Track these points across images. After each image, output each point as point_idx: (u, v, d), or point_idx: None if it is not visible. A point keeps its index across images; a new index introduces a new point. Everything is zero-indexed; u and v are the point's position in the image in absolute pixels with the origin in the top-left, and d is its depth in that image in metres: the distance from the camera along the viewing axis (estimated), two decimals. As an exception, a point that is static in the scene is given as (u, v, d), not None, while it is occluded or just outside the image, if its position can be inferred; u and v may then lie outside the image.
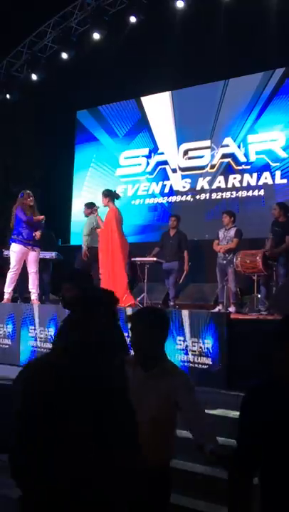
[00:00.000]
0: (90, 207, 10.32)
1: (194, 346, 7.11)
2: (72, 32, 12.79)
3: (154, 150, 13.15)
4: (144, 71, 12.00)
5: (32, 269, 9.44)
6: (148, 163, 13.26)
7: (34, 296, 9.46)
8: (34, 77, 13.48)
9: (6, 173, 14.51)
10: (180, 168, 12.70)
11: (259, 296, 9.18)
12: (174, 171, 12.80)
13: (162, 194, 12.92)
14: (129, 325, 3.16)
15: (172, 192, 12.75)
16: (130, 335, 3.19)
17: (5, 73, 13.87)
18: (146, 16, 11.68)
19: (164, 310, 3.79)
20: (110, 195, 9.42)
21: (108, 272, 9.19)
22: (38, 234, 9.48)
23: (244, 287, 9.94)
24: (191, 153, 12.56)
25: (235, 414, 6.04)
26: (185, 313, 7.35)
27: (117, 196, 9.53)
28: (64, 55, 12.89)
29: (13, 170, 14.50)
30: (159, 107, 13.17)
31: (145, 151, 13.32)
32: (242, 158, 11.82)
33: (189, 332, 7.15)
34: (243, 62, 11.22)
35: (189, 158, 12.58)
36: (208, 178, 12.25)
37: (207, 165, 12.27)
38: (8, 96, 14.03)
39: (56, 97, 13.33)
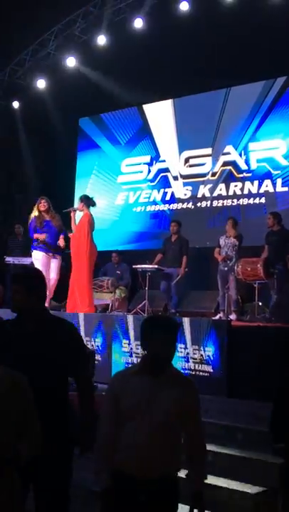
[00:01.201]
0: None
1: (195, 354, 7.13)
2: (76, 40, 12.85)
3: (156, 157, 13.19)
4: (146, 79, 12.03)
5: (52, 277, 9.47)
6: (149, 171, 13.28)
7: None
8: (37, 84, 13.53)
9: (9, 180, 14.55)
10: (181, 176, 12.73)
11: (260, 303, 9.21)
12: (175, 178, 12.83)
13: (164, 201, 12.94)
14: (145, 331, 3.11)
15: (173, 199, 12.77)
16: (145, 341, 3.13)
17: (8, 80, 13.93)
18: (148, 25, 11.74)
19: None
20: (87, 200, 9.59)
21: (74, 276, 9.40)
22: (61, 242, 9.53)
23: (245, 295, 9.96)
24: (192, 161, 12.59)
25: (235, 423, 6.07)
26: (186, 320, 7.38)
27: (93, 204, 9.76)
28: (67, 63, 12.95)
29: (16, 177, 14.54)
30: (160, 115, 13.21)
31: (147, 158, 13.35)
32: (243, 166, 11.85)
33: (190, 339, 7.17)
34: (245, 71, 11.24)
35: (190, 165, 12.61)
36: (209, 186, 12.27)
37: (208, 172, 12.29)
38: (11, 103, 14.09)
39: (59, 104, 13.39)
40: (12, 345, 3.24)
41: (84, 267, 9.44)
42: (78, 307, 9.23)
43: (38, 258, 9.52)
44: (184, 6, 11.11)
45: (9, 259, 11.11)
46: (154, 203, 13.06)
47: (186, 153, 12.67)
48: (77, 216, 9.74)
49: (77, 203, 9.73)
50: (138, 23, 11.73)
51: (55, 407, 3.19)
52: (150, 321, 3.22)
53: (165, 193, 12.94)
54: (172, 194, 12.80)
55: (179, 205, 12.62)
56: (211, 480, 5.03)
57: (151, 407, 2.96)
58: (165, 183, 12.95)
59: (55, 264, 9.60)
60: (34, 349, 3.21)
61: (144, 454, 2.92)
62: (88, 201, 9.67)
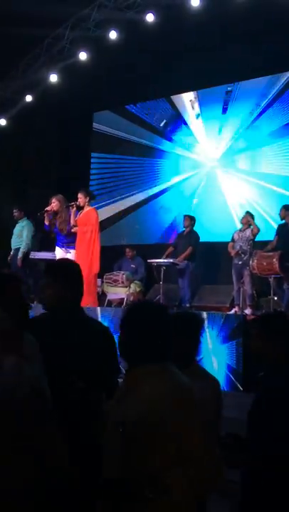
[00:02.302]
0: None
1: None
2: (90, 33, 12.83)
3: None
4: (149, 75, 12.08)
5: None
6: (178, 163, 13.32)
7: None
8: (52, 79, 13.54)
9: (25, 177, 14.60)
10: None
11: (275, 298, 9.19)
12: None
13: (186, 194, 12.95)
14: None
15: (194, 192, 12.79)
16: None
17: (22, 75, 13.95)
18: (160, 19, 11.72)
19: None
20: (91, 195, 9.62)
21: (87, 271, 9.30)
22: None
23: (260, 289, 9.94)
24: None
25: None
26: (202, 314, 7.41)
27: (94, 197, 9.87)
28: (80, 58, 12.94)
29: (31, 173, 14.58)
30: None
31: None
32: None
33: (208, 333, 7.18)
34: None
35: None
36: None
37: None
38: (25, 98, 14.11)
39: (74, 98, 13.40)
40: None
41: (96, 262, 9.45)
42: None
43: (57, 254, 9.68)
44: (196, 2, 11.08)
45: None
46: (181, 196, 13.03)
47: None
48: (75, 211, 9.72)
49: (80, 198, 9.61)
50: (149, 18, 11.72)
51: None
52: (179, 316, 3.17)
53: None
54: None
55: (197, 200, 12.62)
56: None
57: None
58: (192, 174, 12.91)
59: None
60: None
61: None
62: (92, 195, 9.73)
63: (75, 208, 9.58)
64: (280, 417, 2.66)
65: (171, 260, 10.21)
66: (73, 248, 9.57)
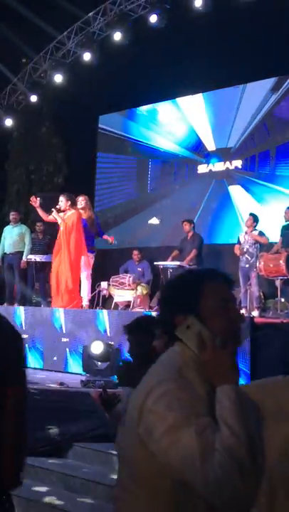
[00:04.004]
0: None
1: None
2: (95, 37, 12.87)
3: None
4: (151, 78, 12.08)
5: (82, 275, 9.54)
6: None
7: (84, 301, 9.57)
8: (57, 82, 13.58)
9: (30, 178, 14.63)
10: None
11: (282, 300, 9.16)
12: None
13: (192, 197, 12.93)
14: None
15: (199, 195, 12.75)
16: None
17: (28, 79, 14.00)
18: (164, 21, 11.74)
19: None
20: (72, 199, 9.71)
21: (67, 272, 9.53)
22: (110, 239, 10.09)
23: (267, 291, 9.92)
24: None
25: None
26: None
27: (75, 202, 9.88)
28: (86, 60, 12.97)
29: (36, 174, 14.61)
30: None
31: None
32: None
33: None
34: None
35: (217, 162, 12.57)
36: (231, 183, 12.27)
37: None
38: (31, 101, 14.16)
39: (79, 101, 13.42)
40: None
41: (78, 264, 9.61)
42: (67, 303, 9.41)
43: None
44: (198, 3, 11.09)
45: (31, 257, 11.17)
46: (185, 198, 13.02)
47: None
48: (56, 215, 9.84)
49: (62, 202, 9.76)
50: (153, 19, 11.75)
51: None
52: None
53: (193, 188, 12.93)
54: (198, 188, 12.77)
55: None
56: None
57: None
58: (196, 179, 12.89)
59: (83, 261, 9.72)
60: None
61: None
62: (73, 199, 9.80)
63: (56, 214, 9.74)
64: None
65: (178, 263, 10.20)
66: (89, 252, 9.66)
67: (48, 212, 9.97)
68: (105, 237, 10.51)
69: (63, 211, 9.76)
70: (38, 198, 10.20)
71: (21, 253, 11.04)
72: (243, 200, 11.88)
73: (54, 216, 9.80)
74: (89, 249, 9.71)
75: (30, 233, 11.30)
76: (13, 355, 2.18)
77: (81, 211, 9.84)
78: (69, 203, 9.71)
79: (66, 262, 9.53)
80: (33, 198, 10.20)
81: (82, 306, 9.62)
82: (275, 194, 11.42)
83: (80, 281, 9.78)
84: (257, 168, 11.86)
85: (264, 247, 9.56)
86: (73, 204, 9.74)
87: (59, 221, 9.74)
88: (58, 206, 9.79)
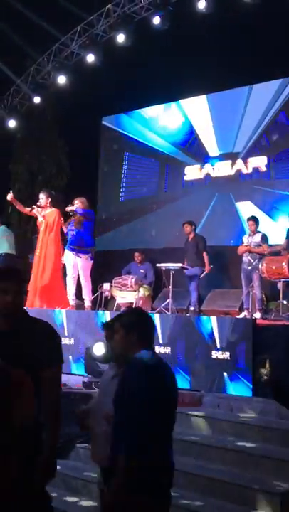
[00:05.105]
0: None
1: (220, 352, 7.11)
2: (98, 39, 12.89)
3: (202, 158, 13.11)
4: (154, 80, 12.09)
5: (80, 276, 9.51)
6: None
7: (86, 303, 9.55)
8: (60, 83, 13.60)
9: (32, 179, 14.65)
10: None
11: (285, 302, 9.15)
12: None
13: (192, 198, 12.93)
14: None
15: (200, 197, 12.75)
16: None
17: (31, 81, 14.02)
18: (171, 23, 11.75)
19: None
20: (52, 196, 9.71)
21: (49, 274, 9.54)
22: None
23: (269, 293, 9.91)
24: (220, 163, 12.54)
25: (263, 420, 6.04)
26: (213, 319, 7.38)
27: (55, 199, 9.90)
28: (90, 62, 12.99)
29: (39, 175, 14.63)
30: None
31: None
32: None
33: (218, 338, 7.15)
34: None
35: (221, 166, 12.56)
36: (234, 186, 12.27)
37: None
38: (34, 103, 14.19)
39: (82, 103, 13.43)
40: None
41: (58, 264, 9.64)
42: (56, 304, 9.42)
43: (65, 256, 9.72)
44: (202, 5, 11.08)
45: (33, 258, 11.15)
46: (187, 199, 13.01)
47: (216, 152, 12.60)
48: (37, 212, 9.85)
49: (42, 199, 9.75)
50: (156, 21, 11.76)
51: None
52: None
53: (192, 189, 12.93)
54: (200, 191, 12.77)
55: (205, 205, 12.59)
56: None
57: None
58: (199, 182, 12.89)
59: (79, 263, 9.60)
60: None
61: None
62: (55, 197, 9.80)
63: (37, 210, 9.74)
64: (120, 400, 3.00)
65: (180, 264, 10.19)
66: (84, 253, 9.52)
67: (28, 207, 9.94)
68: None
69: (43, 207, 9.76)
70: (11, 191, 10.08)
71: None
72: (246, 204, 11.87)
73: (35, 213, 9.80)
74: (85, 250, 9.58)
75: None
76: (50, 346, 2.98)
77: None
78: (49, 199, 9.73)
79: (47, 259, 9.56)
80: (8, 194, 9.98)
81: (84, 307, 9.62)
82: (281, 197, 11.42)
83: (63, 281, 9.76)
84: (264, 173, 11.82)
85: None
86: (53, 201, 9.73)
87: (39, 219, 9.74)
88: (38, 203, 9.79)
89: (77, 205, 9.48)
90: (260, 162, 11.85)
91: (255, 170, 11.90)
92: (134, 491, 2.83)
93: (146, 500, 2.86)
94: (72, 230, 9.45)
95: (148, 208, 13.55)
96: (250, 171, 12.00)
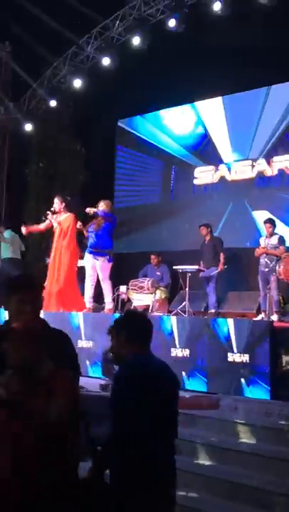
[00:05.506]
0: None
1: (238, 355, 7.08)
2: (114, 42, 12.91)
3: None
4: (170, 83, 12.07)
5: (100, 278, 9.50)
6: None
7: (107, 306, 9.55)
8: (76, 87, 13.64)
9: (50, 183, 14.69)
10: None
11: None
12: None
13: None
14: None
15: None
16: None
17: (47, 84, 14.08)
18: (186, 25, 11.74)
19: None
20: (66, 200, 9.68)
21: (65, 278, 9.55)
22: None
23: (287, 295, 9.85)
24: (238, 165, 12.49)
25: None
26: (230, 321, 7.35)
27: (69, 204, 9.89)
28: (105, 65, 13.01)
29: (56, 179, 14.68)
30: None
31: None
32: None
33: (235, 340, 7.12)
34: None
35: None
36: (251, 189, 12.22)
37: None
38: (50, 106, 14.25)
39: (98, 106, 13.47)
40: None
41: (73, 269, 9.67)
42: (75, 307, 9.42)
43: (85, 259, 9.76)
44: (217, 6, 11.05)
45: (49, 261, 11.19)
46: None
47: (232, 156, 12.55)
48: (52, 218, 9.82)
49: (56, 204, 9.73)
50: (171, 23, 11.75)
51: None
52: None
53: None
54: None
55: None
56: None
57: None
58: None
59: (97, 265, 9.60)
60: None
61: None
62: (70, 202, 9.79)
63: (51, 216, 9.71)
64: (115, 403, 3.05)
65: (197, 267, 10.18)
66: (101, 255, 9.50)
67: (44, 216, 9.92)
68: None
69: (58, 213, 9.75)
70: (23, 227, 10.08)
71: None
72: (262, 207, 11.81)
73: (49, 220, 9.75)
74: (103, 252, 9.58)
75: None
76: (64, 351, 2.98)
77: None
78: (63, 204, 9.70)
79: (62, 265, 9.55)
80: (22, 228, 10.05)
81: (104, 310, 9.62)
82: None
83: (77, 285, 9.75)
84: (282, 178, 11.76)
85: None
86: (67, 206, 9.72)
87: (54, 225, 9.70)
88: (52, 208, 9.76)
89: (101, 207, 9.49)
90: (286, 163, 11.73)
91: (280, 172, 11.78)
92: (135, 491, 2.83)
93: (148, 500, 2.86)
94: (92, 232, 9.47)
95: (164, 210, 13.54)
96: (275, 172, 11.88)
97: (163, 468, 3.01)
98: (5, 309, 3.13)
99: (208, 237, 10.63)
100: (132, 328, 3.21)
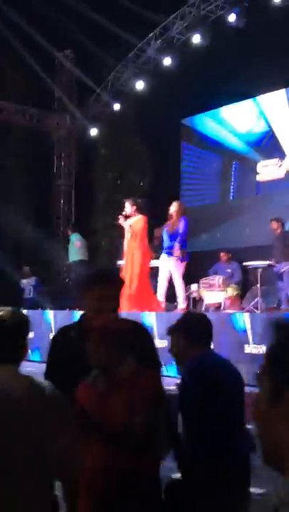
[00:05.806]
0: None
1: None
2: (175, 41, 12.94)
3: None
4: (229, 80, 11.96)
5: (173, 278, 9.56)
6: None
7: (179, 305, 9.62)
8: (139, 89, 13.74)
9: (115, 185, 14.83)
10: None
11: None
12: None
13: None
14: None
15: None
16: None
17: (111, 88, 14.25)
18: (247, 19, 11.64)
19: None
20: (138, 204, 9.59)
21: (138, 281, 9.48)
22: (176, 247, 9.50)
23: None
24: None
25: None
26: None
27: (141, 206, 9.73)
28: (167, 65, 13.05)
29: (122, 181, 14.80)
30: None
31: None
32: None
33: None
34: None
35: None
36: None
37: None
38: (114, 110, 14.40)
39: (161, 106, 13.51)
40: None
41: (146, 271, 9.64)
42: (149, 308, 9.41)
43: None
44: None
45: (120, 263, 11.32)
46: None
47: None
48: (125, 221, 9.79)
49: (127, 207, 9.71)
50: (232, 18, 11.67)
51: None
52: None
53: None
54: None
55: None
56: None
57: None
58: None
59: (170, 264, 9.64)
60: None
61: None
62: (138, 204, 9.72)
63: (121, 219, 9.68)
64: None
65: (268, 262, 10.05)
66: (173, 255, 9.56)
67: (115, 220, 10.01)
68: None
69: (129, 216, 9.81)
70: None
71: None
72: None
73: (121, 223, 9.79)
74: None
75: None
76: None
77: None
78: (134, 207, 9.66)
79: (134, 267, 9.58)
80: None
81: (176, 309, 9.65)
82: None
83: (151, 286, 9.80)
84: None
85: None
86: (139, 209, 9.74)
87: (126, 228, 9.74)
88: (124, 212, 9.77)
89: (174, 207, 9.55)
90: None
91: None
92: (208, 492, 2.81)
93: (224, 499, 2.83)
94: (166, 232, 9.56)
95: (229, 208, 13.45)
96: None
97: (234, 466, 2.98)
98: (79, 309, 3.16)
99: (278, 231, 10.44)
100: (191, 329, 3.20)
